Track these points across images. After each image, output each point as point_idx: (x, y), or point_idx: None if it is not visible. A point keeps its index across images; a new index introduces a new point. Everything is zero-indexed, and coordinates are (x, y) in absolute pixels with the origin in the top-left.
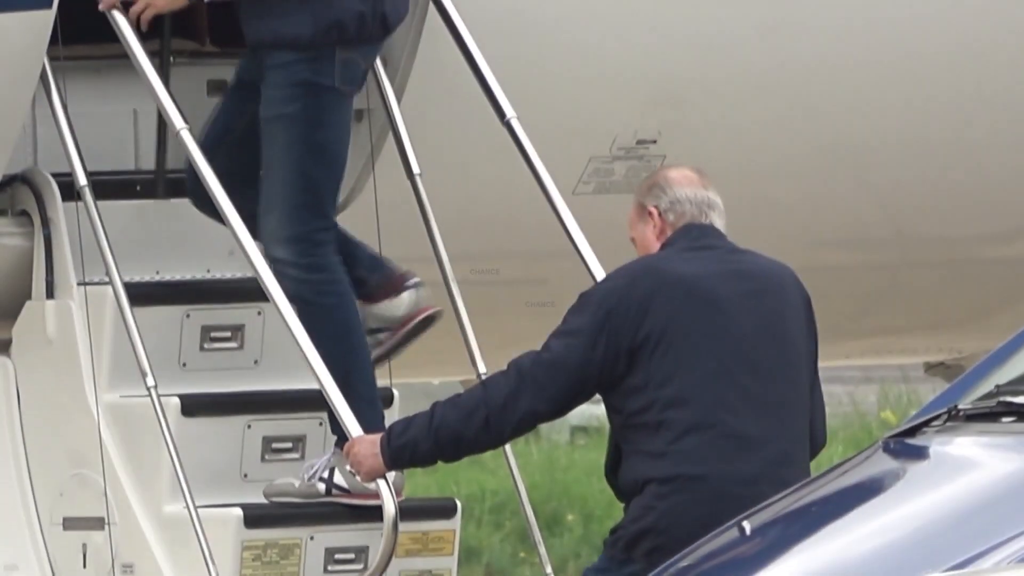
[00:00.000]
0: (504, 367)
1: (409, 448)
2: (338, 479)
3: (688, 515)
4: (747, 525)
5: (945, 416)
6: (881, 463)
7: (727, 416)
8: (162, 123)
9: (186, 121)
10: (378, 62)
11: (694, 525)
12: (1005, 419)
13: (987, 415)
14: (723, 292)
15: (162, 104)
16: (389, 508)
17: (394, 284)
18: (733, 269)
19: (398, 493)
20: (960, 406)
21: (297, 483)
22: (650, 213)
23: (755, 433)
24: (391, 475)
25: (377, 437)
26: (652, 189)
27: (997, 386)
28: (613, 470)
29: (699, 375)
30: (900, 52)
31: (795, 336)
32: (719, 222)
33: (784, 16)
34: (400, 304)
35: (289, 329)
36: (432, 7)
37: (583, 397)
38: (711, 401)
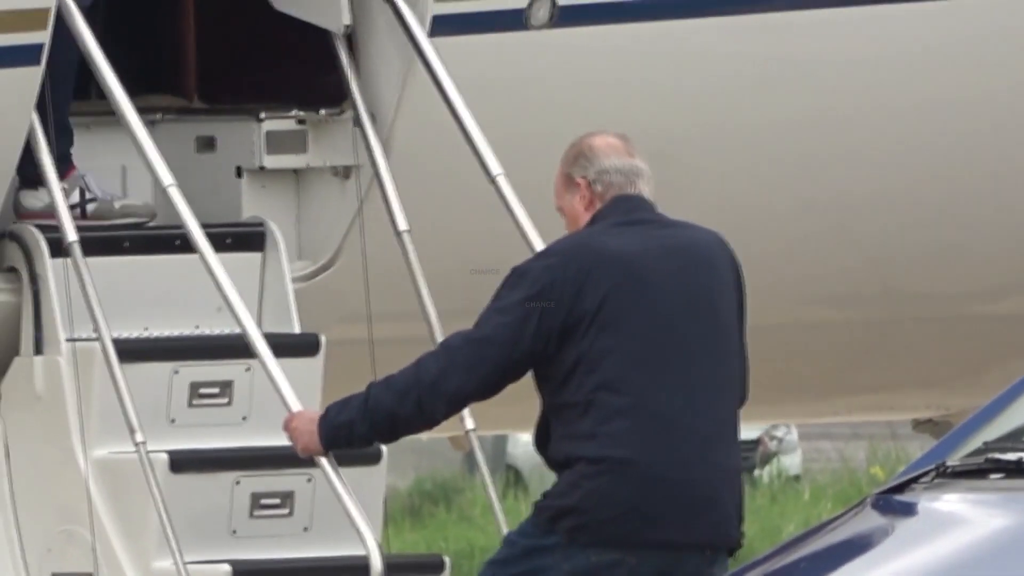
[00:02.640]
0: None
1: (345, 428)
2: None
3: (613, 497)
4: None
5: (933, 473)
6: (870, 519)
7: (657, 398)
8: None
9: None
10: (366, 117)
11: (619, 507)
12: (993, 476)
13: (975, 472)
14: (655, 270)
15: (150, 160)
16: (376, 565)
17: None
18: (664, 245)
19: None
20: (948, 463)
21: None
22: (577, 184)
23: (685, 415)
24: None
25: (316, 415)
26: (578, 159)
27: (985, 443)
28: (543, 442)
29: (629, 357)
30: (888, 107)
31: (725, 310)
32: (647, 190)
33: (771, 72)
34: None
35: (275, 386)
36: (419, 64)
37: (513, 376)
38: (641, 383)
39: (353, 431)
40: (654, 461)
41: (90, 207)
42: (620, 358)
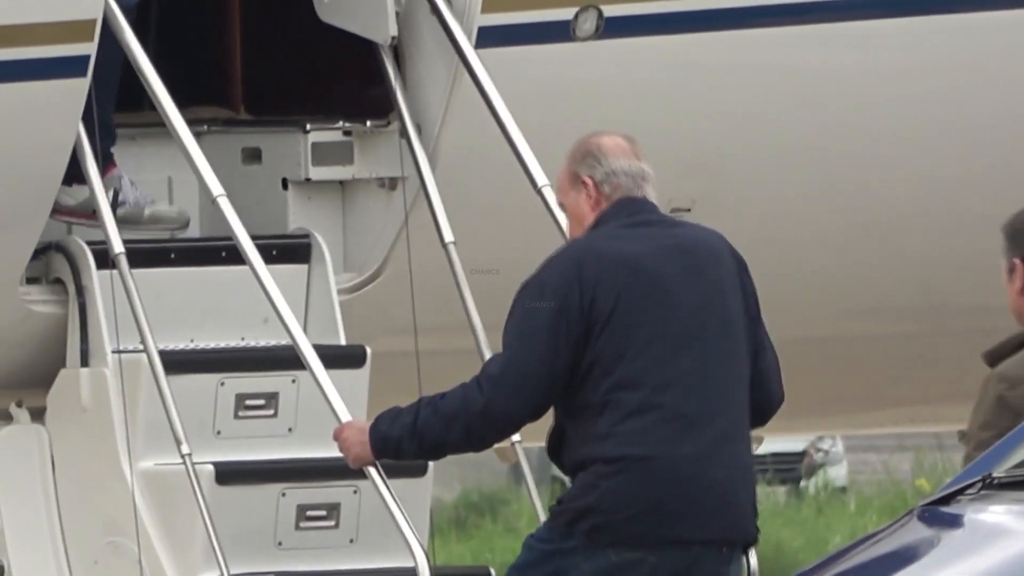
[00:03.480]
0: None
1: (393, 444)
2: None
3: (631, 496)
4: None
5: (980, 484)
6: (916, 531)
7: (672, 396)
8: None
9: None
10: (412, 129)
11: (638, 506)
12: None
13: (1022, 483)
14: (665, 270)
15: (199, 171)
16: (424, 571)
17: None
18: (672, 245)
19: None
20: (995, 474)
21: None
22: (584, 183)
23: (700, 412)
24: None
25: (366, 426)
26: (586, 158)
27: None
28: (557, 448)
29: (644, 356)
30: (934, 125)
31: (734, 308)
32: (652, 194)
33: (818, 89)
34: None
35: (325, 396)
36: (466, 75)
37: (559, 390)
38: (656, 382)
39: (401, 448)
40: (671, 458)
41: (119, 211)
42: (636, 358)
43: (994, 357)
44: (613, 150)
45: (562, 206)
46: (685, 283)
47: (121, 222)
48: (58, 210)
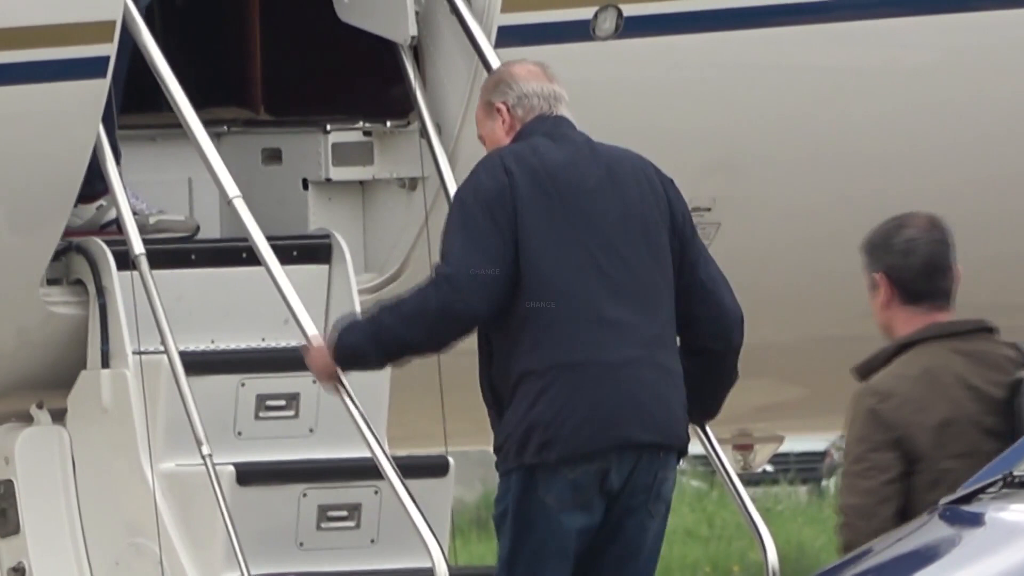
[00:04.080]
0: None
1: (357, 351)
2: None
3: (572, 404)
4: None
5: (1000, 483)
6: (937, 530)
7: (597, 303)
8: None
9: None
10: (432, 129)
11: (580, 414)
12: None
13: None
14: (587, 181)
15: (215, 172)
16: (442, 571)
17: None
18: (594, 158)
19: None
20: (1015, 473)
21: None
22: (498, 109)
23: (626, 318)
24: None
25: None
26: (499, 85)
27: None
28: (486, 367)
29: (567, 265)
30: (956, 126)
31: (657, 219)
32: (567, 114)
33: (839, 86)
34: None
35: (343, 399)
36: (485, 74)
37: (510, 284)
38: (580, 290)
39: (365, 354)
40: (604, 362)
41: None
42: (559, 267)
43: (864, 371)
44: (524, 75)
45: (481, 139)
46: (606, 195)
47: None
48: (66, 231)
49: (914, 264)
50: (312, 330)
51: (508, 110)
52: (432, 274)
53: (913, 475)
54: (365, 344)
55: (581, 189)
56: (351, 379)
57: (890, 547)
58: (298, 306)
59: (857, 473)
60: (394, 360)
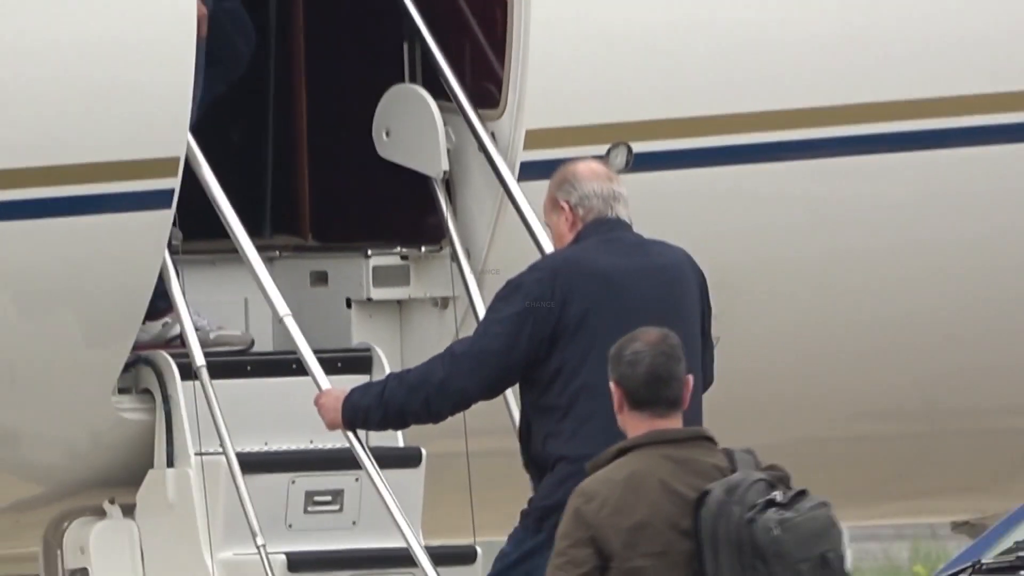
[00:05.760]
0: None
1: (362, 412)
2: None
3: None
4: None
5: (970, 570)
6: None
7: None
8: None
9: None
10: (462, 254)
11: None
12: (1023, 572)
13: (1008, 568)
14: (632, 286)
15: (268, 294)
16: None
17: None
18: (641, 263)
19: None
20: (984, 560)
21: None
22: (562, 207)
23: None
24: None
25: (342, 394)
26: (563, 184)
27: (1016, 543)
28: (526, 442)
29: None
30: (926, 243)
31: (691, 321)
32: (623, 213)
33: (819, 211)
34: None
35: (379, 494)
36: (510, 205)
37: (512, 380)
38: None
39: (369, 416)
40: None
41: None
42: (599, 365)
43: (592, 470)
44: (587, 175)
45: (547, 227)
46: (651, 299)
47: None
48: (135, 345)
49: (639, 374)
50: (326, 384)
51: (571, 209)
52: (445, 351)
53: (607, 571)
54: (369, 404)
55: (626, 293)
56: (390, 480)
57: None
58: (316, 367)
59: (557, 566)
60: (392, 424)
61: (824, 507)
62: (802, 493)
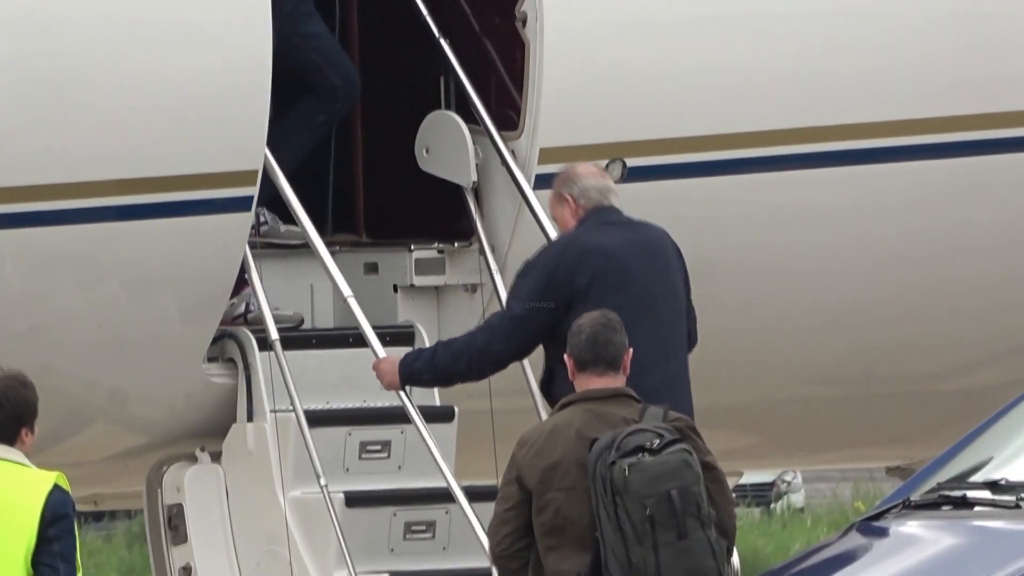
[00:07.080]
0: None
1: (416, 373)
2: None
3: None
4: None
5: (900, 506)
6: (854, 540)
7: (636, 349)
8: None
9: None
10: (488, 248)
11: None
12: (944, 508)
13: (931, 504)
14: (629, 258)
15: (334, 279)
16: (457, 493)
17: None
18: (633, 239)
19: None
20: (912, 498)
21: None
22: (566, 200)
23: (654, 360)
24: None
25: (398, 359)
26: (566, 181)
27: (938, 483)
28: (548, 385)
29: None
30: (871, 238)
31: (677, 285)
32: (616, 202)
33: (786, 213)
34: None
35: (425, 443)
36: (527, 209)
37: (539, 340)
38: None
39: (422, 377)
40: (636, 389)
41: (249, 316)
42: None
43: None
44: (584, 173)
45: (553, 219)
46: (643, 268)
47: (252, 323)
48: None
49: (581, 341)
50: (383, 353)
51: (573, 200)
52: (483, 320)
53: (529, 503)
54: (422, 367)
55: (622, 265)
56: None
57: (820, 552)
58: (374, 339)
59: (496, 502)
60: (442, 383)
61: (682, 452)
62: (674, 442)
